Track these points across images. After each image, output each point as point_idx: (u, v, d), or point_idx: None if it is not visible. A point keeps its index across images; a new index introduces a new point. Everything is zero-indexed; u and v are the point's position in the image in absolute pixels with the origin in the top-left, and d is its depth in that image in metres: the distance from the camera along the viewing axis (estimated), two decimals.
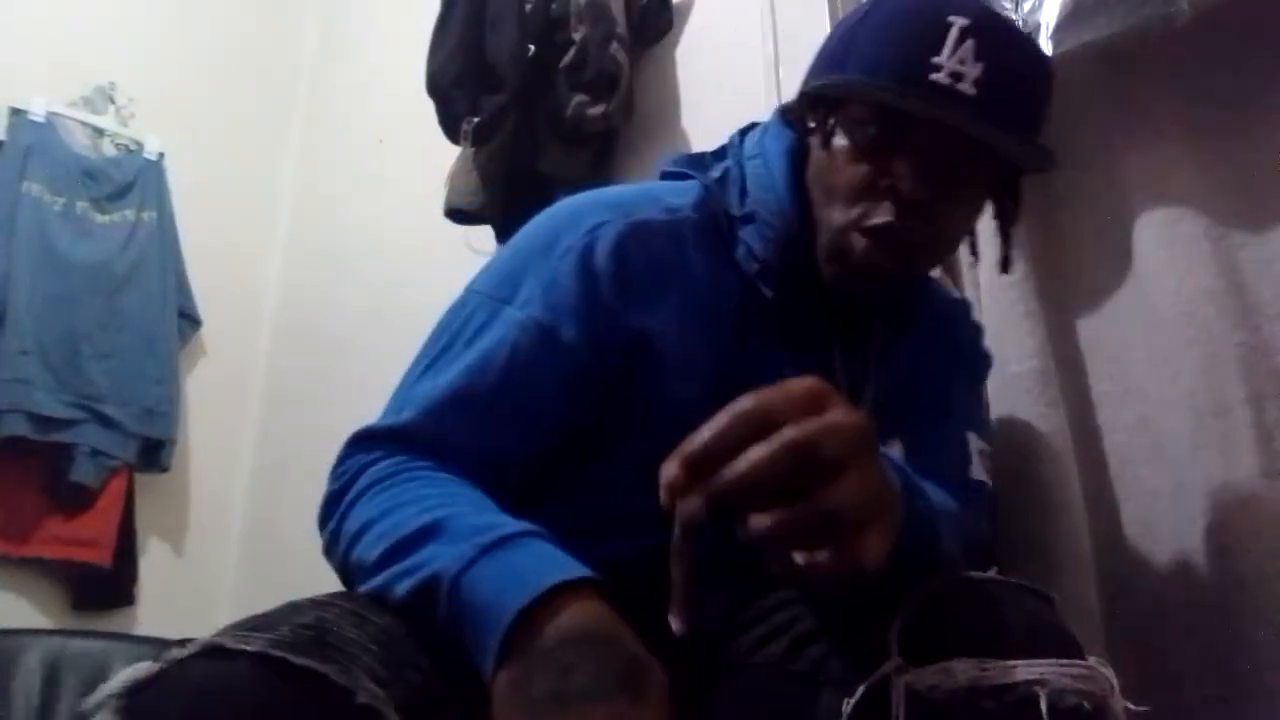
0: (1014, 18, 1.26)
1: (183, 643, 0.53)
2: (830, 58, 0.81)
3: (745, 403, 0.50)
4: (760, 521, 0.48)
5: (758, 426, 0.49)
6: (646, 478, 0.71)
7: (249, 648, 0.51)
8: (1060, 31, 1.20)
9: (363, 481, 0.70)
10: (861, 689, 0.56)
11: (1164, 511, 1.17)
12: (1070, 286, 1.34)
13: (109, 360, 2.34)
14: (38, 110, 2.40)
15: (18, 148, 2.35)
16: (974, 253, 0.97)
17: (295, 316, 2.72)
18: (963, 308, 1.08)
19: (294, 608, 0.58)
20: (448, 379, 0.74)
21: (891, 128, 0.75)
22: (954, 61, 0.72)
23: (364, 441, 0.73)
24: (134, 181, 2.51)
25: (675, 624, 0.48)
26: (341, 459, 0.74)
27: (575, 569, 0.57)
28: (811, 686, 0.62)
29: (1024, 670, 0.53)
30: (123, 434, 2.33)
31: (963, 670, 0.54)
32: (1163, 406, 1.17)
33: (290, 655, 0.51)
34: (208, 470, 2.60)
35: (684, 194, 0.86)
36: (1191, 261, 1.15)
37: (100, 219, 2.44)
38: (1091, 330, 1.31)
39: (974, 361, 1.04)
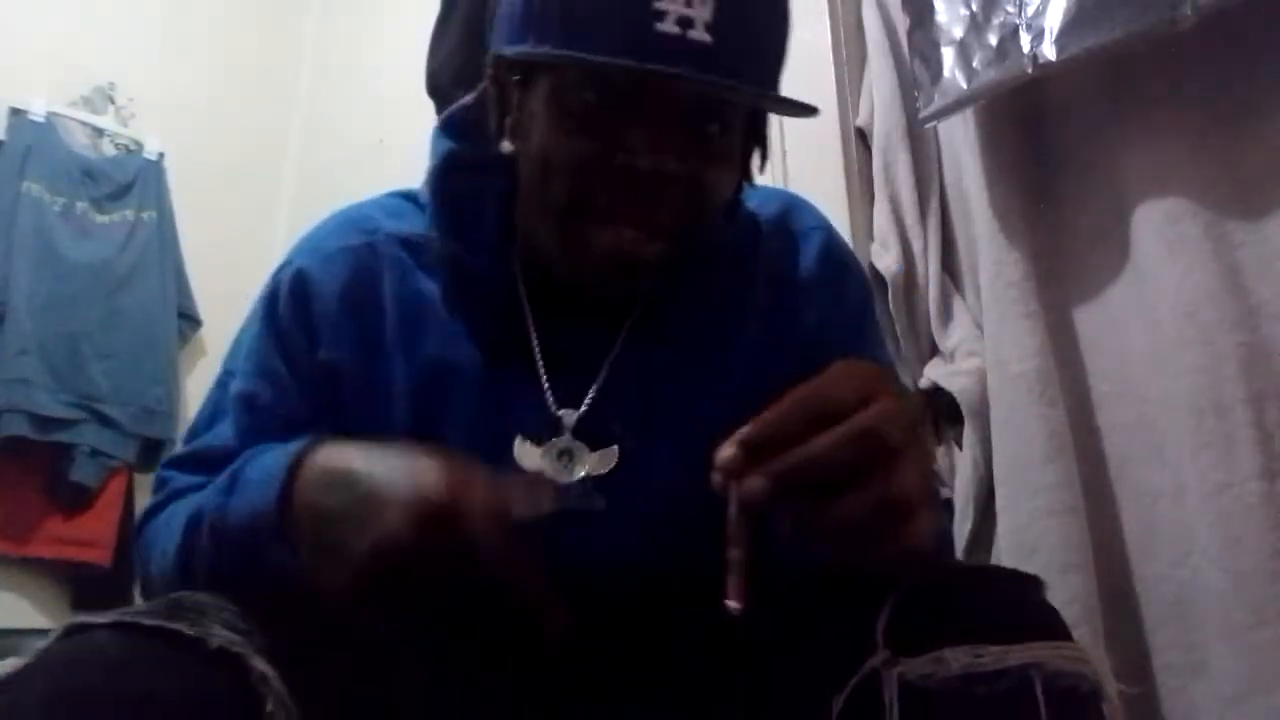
0: (1017, 22, 1.27)
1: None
2: (521, 16, 0.65)
3: (805, 389, 0.50)
4: (834, 508, 0.48)
5: (819, 413, 0.49)
6: None
7: (103, 620, 0.53)
8: (1064, 36, 1.21)
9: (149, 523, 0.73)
10: (851, 683, 0.56)
11: (1164, 511, 1.17)
12: (1070, 286, 1.34)
13: (109, 360, 2.34)
14: (38, 110, 2.40)
15: (18, 148, 2.35)
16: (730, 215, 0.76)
17: None
18: (804, 238, 0.82)
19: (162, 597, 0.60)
20: (189, 448, 0.77)
21: (615, 89, 0.62)
22: (679, 4, 0.59)
23: (161, 509, 0.73)
24: (134, 181, 2.51)
25: (734, 605, 0.48)
26: (140, 533, 0.75)
27: (302, 441, 0.60)
28: (800, 681, 0.62)
29: (1017, 654, 0.53)
30: (123, 434, 2.33)
31: (955, 658, 0.53)
32: (1163, 406, 1.18)
33: (141, 619, 0.53)
34: None
35: (388, 210, 0.81)
36: (1191, 261, 1.15)
37: (100, 219, 2.44)
38: (1091, 330, 1.31)
39: (841, 301, 0.80)
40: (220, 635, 0.53)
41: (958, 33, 1.37)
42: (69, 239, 2.36)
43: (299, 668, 0.55)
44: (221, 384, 0.78)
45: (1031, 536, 1.19)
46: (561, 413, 0.71)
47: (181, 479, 0.74)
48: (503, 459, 0.69)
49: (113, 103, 2.55)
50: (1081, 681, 0.53)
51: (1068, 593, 1.13)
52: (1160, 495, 1.18)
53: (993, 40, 1.30)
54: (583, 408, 0.71)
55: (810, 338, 0.77)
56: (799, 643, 0.63)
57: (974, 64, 1.33)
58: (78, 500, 2.26)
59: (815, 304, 0.78)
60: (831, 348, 0.71)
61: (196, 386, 2.61)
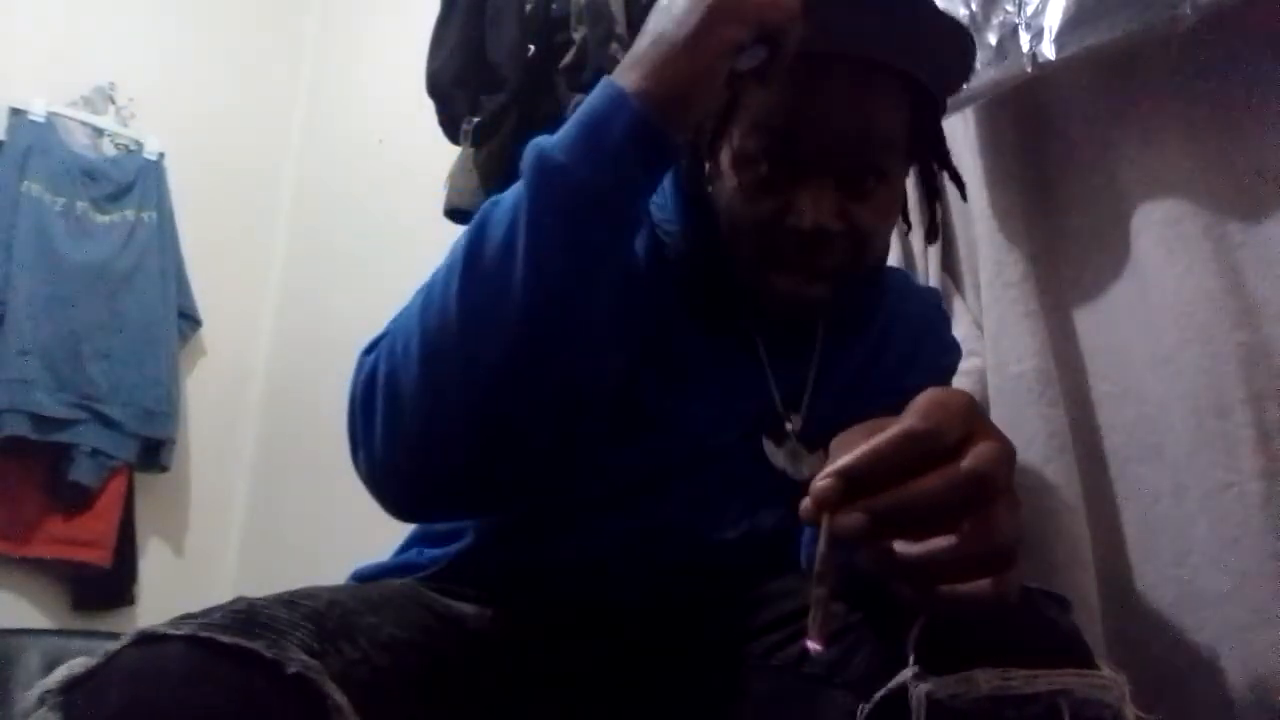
0: (1016, 21, 1.27)
1: (118, 637, 0.54)
2: None
3: (915, 423, 0.48)
4: (931, 553, 0.47)
5: (924, 450, 0.48)
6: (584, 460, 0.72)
7: (178, 632, 0.52)
8: (1064, 35, 1.20)
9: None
10: (878, 695, 0.55)
11: (1164, 511, 1.17)
12: (1070, 286, 1.34)
13: (109, 360, 2.35)
14: (38, 110, 2.40)
15: (18, 148, 2.35)
16: (906, 221, 0.95)
17: (295, 316, 2.72)
18: (927, 296, 1.03)
19: (231, 601, 0.59)
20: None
21: (779, 161, 0.75)
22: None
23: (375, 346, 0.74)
24: (134, 181, 2.51)
25: (816, 647, 0.47)
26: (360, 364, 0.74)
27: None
28: (827, 690, 0.62)
29: (1046, 680, 0.53)
30: (123, 434, 2.33)
31: (985, 679, 0.53)
32: (1163, 406, 1.18)
33: (218, 635, 0.52)
34: (208, 470, 2.60)
35: None
36: (1191, 261, 1.15)
37: (100, 219, 2.44)
38: (1091, 330, 1.31)
39: (939, 353, 0.98)
40: (297, 660, 0.52)
41: None
42: (69, 239, 2.36)
43: (372, 694, 0.55)
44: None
45: (1032, 537, 1.19)
46: (789, 423, 0.82)
47: None
48: (732, 440, 0.79)
49: (113, 103, 2.56)
50: (1106, 711, 0.53)
51: (1068, 593, 1.13)
52: (1160, 495, 1.18)
53: (992, 39, 1.30)
54: (801, 416, 0.83)
55: (908, 381, 0.87)
56: (835, 654, 0.63)
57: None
58: (78, 500, 2.26)
59: (924, 352, 0.93)
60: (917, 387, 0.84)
61: (196, 386, 2.62)
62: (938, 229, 0.92)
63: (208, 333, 2.64)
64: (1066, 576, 1.15)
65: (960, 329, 1.43)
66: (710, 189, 0.81)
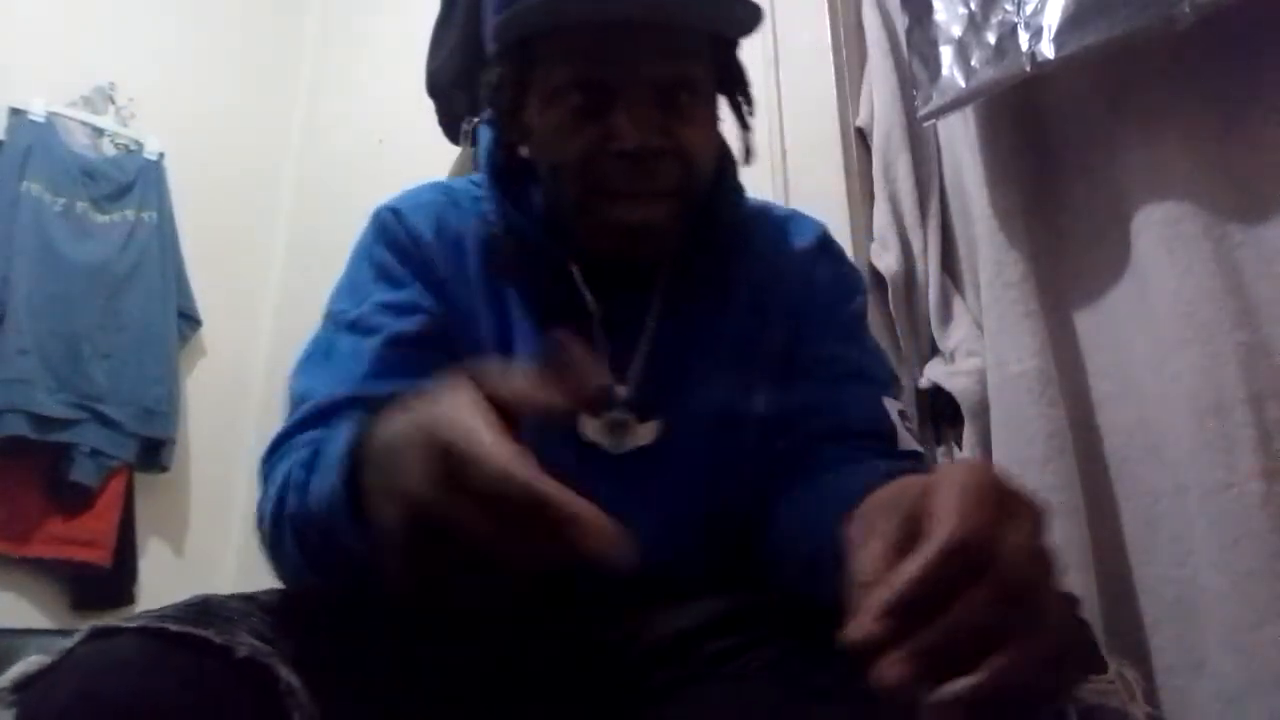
0: (1015, 21, 1.27)
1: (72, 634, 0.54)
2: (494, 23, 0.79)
3: (956, 532, 0.41)
4: (986, 680, 0.39)
5: (962, 564, 0.40)
6: None
7: (131, 625, 0.52)
8: (1062, 35, 1.21)
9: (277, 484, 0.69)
10: (884, 707, 0.55)
11: (1164, 511, 1.17)
12: (1070, 286, 1.34)
13: (109, 360, 2.34)
14: (38, 110, 2.39)
15: (18, 148, 2.35)
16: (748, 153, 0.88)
17: (295, 316, 2.72)
18: (803, 241, 0.89)
19: (190, 598, 0.59)
20: (328, 381, 0.75)
21: (595, 88, 0.73)
22: None
23: (281, 443, 0.73)
24: (134, 181, 2.51)
25: None
26: (261, 465, 0.73)
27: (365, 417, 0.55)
28: (827, 706, 0.61)
29: None
30: (123, 434, 2.33)
31: None
32: (1163, 406, 1.18)
33: (169, 625, 0.52)
34: (208, 470, 2.60)
35: (463, 183, 0.88)
36: (1191, 261, 1.15)
37: (100, 219, 2.44)
38: (1091, 330, 1.31)
39: (840, 299, 0.86)
40: (247, 644, 0.53)
41: (956, 31, 1.37)
42: (69, 239, 2.36)
43: (326, 678, 0.55)
44: (333, 326, 0.80)
45: None
46: (618, 389, 0.77)
47: (318, 394, 0.73)
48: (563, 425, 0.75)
49: (113, 103, 2.55)
50: (1112, 716, 0.53)
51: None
52: (1160, 495, 1.18)
53: (991, 39, 1.30)
54: (630, 384, 0.78)
55: (800, 326, 0.83)
56: (840, 666, 0.62)
57: (972, 62, 1.33)
58: (78, 500, 2.26)
59: (802, 289, 0.85)
60: (819, 341, 0.82)
61: (196, 386, 2.61)
62: (752, 152, 0.86)
63: (208, 333, 2.63)
64: (1066, 576, 1.15)
65: (960, 329, 1.43)
66: (526, 150, 0.80)
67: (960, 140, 1.47)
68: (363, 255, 0.84)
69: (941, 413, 1.44)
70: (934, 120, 1.46)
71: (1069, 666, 0.44)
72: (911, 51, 1.46)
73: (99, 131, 2.51)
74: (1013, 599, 0.40)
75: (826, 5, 1.68)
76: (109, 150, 2.52)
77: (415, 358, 0.75)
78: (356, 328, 0.77)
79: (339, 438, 0.58)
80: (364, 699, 0.59)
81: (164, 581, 2.44)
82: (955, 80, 1.35)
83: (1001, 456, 1.27)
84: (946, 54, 1.37)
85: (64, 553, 2.24)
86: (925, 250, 1.50)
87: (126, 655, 0.51)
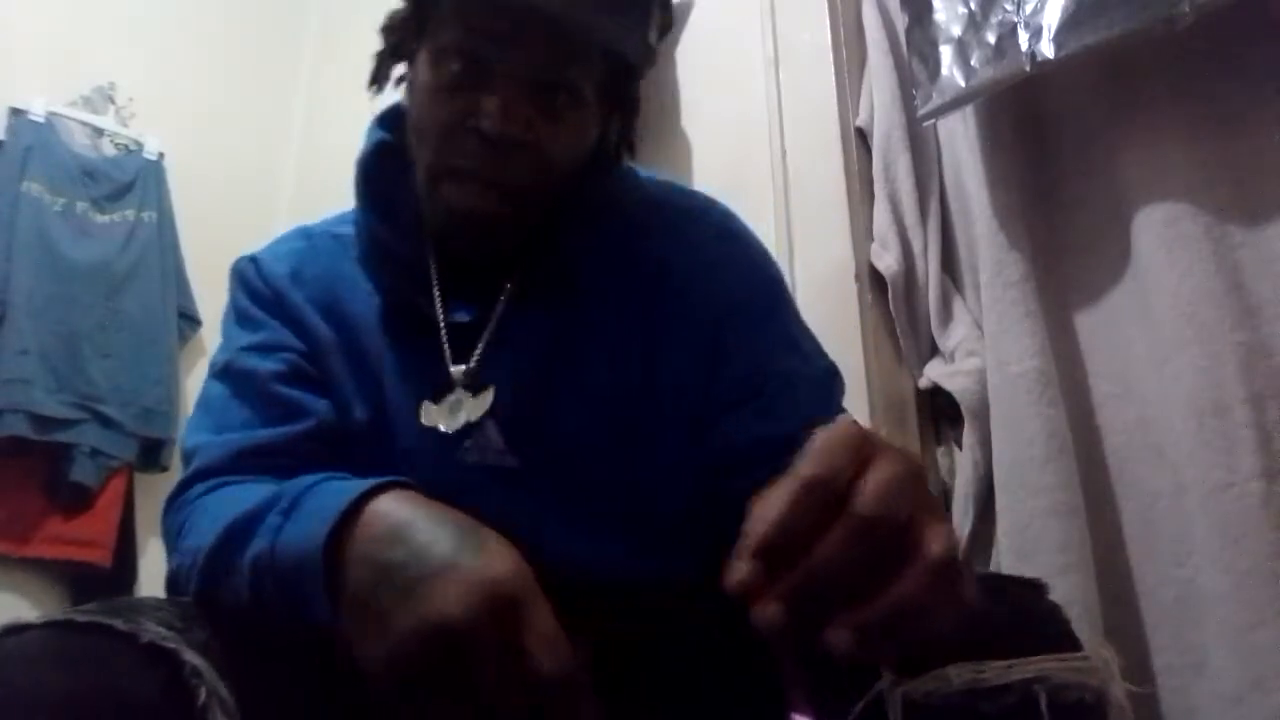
0: (1015, 20, 1.27)
1: None
2: None
3: (807, 470, 0.44)
4: (836, 636, 0.43)
5: (822, 501, 0.43)
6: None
7: (39, 620, 0.53)
8: (1062, 34, 1.20)
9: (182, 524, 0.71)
10: (858, 708, 0.55)
11: (1164, 511, 1.17)
12: (1070, 286, 1.34)
13: (109, 360, 2.34)
14: (38, 110, 2.40)
15: (18, 148, 2.35)
16: (616, 155, 0.85)
17: None
18: (708, 217, 0.86)
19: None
20: (201, 435, 0.76)
21: (476, 59, 0.72)
22: None
23: (176, 497, 0.74)
24: (134, 181, 2.51)
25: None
26: (164, 520, 0.74)
27: (367, 482, 0.55)
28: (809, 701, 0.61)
29: (1021, 669, 0.53)
30: (122, 434, 2.33)
31: (959, 675, 0.52)
32: (1163, 406, 1.18)
33: (75, 617, 0.53)
34: None
35: (333, 218, 0.91)
36: (1191, 261, 1.15)
37: (100, 219, 2.44)
38: (1091, 330, 1.31)
39: (752, 293, 0.82)
40: (151, 630, 0.53)
41: (956, 31, 1.37)
42: (69, 239, 2.36)
43: (236, 664, 0.55)
44: (210, 379, 0.81)
45: (1031, 536, 1.19)
46: (454, 369, 0.77)
47: (204, 448, 0.74)
48: (405, 416, 0.76)
49: (113, 103, 2.55)
50: (1087, 692, 0.53)
51: (1068, 593, 1.13)
52: (1160, 495, 1.18)
53: (991, 38, 1.30)
54: (470, 363, 0.77)
55: (703, 314, 0.80)
56: (808, 661, 0.62)
57: (972, 62, 1.33)
58: (78, 500, 2.26)
59: (711, 280, 0.81)
60: (732, 326, 0.79)
61: (196, 386, 2.61)
62: (633, 147, 0.84)
63: (208, 333, 2.63)
64: (1066, 576, 1.15)
65: (960, 329, 1.43)
66: (405, 108, 0.81)
67: (960, 140, 1.47)
68: (228, 308, 0.86)
69: (941, 413, 1.45)
70: (934, 120, 1.46)
71: (949, 602, 0.45)
72: (911, 51, 1.46)
73: (99, 131, 2.51)
74: (872, 535, 0.43)
75: (826, 5, 1.68)
76: (109, 150, 2.52)
77: (286, 395, 0.76)
78: (226, 374, 0.79)
79: (331, 489, 0.57)
80: (280, 686, 0.59)
81: (164, 581, 2.44)
82: (955, 80, 1.35)
83: (1001, 456, 1.27)
84: (946, 54, 1.37)
85: (64, 553, 2.24)
86: (925, 250, 1.50)
87: (31, 649, 0.52)
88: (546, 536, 0.68)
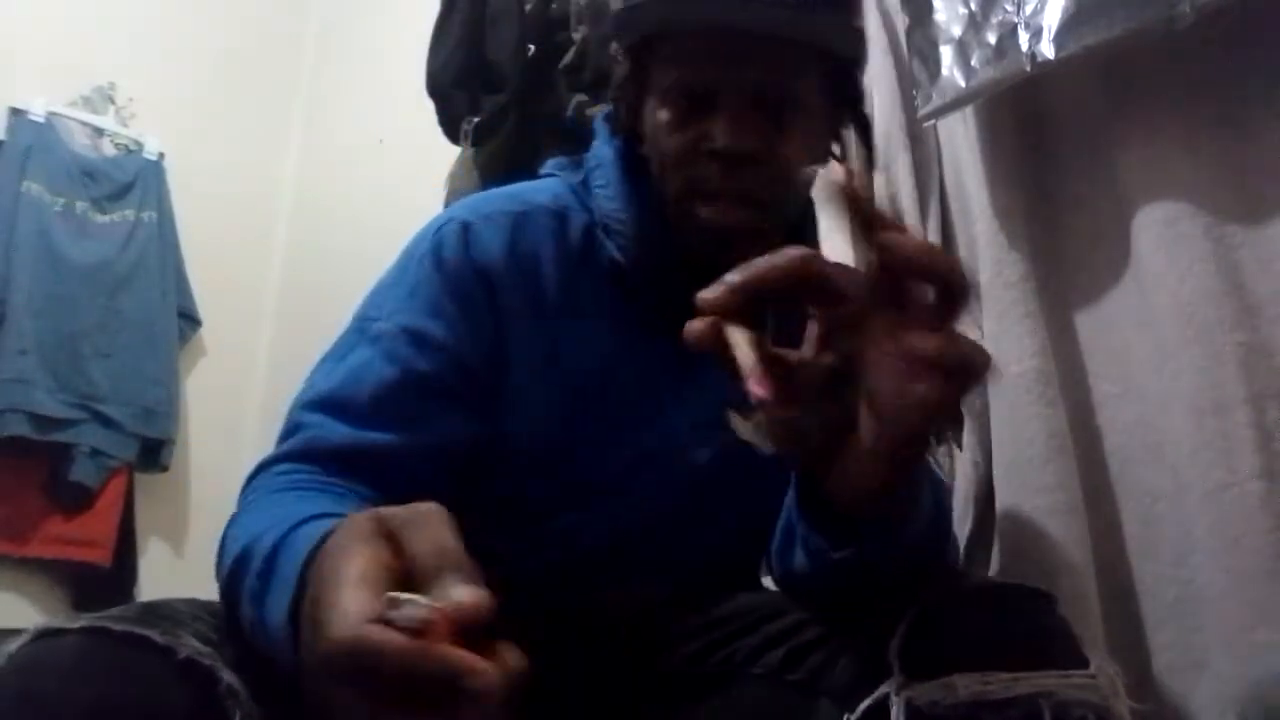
0: (1015, 21, 1.26)
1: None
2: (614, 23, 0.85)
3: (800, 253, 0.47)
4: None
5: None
6: (533, 495, 0.71)
7: (74, 625, 0.52)
8: (1062, 35, 1.20)
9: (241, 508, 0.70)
10: (862, 706, 0.55)
11: (1164, 511, 1.17)
12: (1070, 286, 1.34)
13: (109, 360, 2.35)
14: (38, 110, 2.40)
15: (18, 148, 2.35)
16: (841, 158, 0.89)
17: (295, 316, 2.72)
18: None
19: (141, 601, 0.59)
20: (323, 389, 0.74)
21: (700, 91, 0.77)
22: None
23: (264, 468, 0.73)
24: (134, 181, 2.51)
25: (760, 391, 0.45)
26: (243, 490, 0.73)
27: (323, 527, 0.50)
28: (811, 697, 0.61)
29: (1026, 683, 0.53)
30: (123, 434, 2.33)
31: (965, 685, 0.53)
32: (1163, 406, 1.18)
33: (111, 625, 0.52)
34: (208, 470, 2.60)
35: (544, 190, 0.86)
36: (1191, 261, 1.15)
37: (100, 219, 2.44)
38: (1091, 330, 1.31)
39: None
40: (189, 645, 0.52)
41: (956, 31, 1.36)
42: (69, 239, 2.36)
43: (271, 683, 0.54)
44: (359, 330, 0.78)
45: (1031, 536, 1.19)
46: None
47: (315, 425, 0.71)
48: (701, 433, 0.77)
49: (113, 103, 2.56)
50: (1089, 710, 0.53)
51: (1068, 593, 1.13)
52: (1160, 495, 1.18)
53: (991, 39, 1.30)
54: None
55: None
56: (816, 662, 0.63)
57: (972, 62, 1.33)
58: (78, 500, 2.26)
59: None
60: None
61: (196, 386, 2.62)
62: (873, 162, 0.90)
63: (208, 333, 2.64)
64: (1066, 576, 1.15)
65: (960, 329, 1.43)
66: (645, 150, 0.83)
67: (960, 140, 1.47)
68: (414, 266, 0.80)
69: None
70: (934, 121, 1.46)
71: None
72: (911, 51, 1.45)
73: (99, 131, 2.52)
74: (850, 275, 0.45)
75: None
76: (109, 150, 2.52)
77: (417, 405, 0.73)
78: (378, 343, 0.76)
79: (296, 548, 0.53)
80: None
81: (164, 581, 2.44)
82: (955, 80, 1.35)
83: (1001, 456, 1.27)
84: (946, 54, 1.37)
85: (64, 553, 2.25)
86: None
87: (67, 656, 0.51)
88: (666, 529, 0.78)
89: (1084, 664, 0.55)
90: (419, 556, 0.41)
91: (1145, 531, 1.19)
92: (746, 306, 0.46)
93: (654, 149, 0.81)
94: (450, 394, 0.75)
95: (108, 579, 2.30)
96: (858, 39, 0.84)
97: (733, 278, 0.47)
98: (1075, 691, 0.53)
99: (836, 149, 0.86)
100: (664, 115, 0.79)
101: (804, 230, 0.80)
